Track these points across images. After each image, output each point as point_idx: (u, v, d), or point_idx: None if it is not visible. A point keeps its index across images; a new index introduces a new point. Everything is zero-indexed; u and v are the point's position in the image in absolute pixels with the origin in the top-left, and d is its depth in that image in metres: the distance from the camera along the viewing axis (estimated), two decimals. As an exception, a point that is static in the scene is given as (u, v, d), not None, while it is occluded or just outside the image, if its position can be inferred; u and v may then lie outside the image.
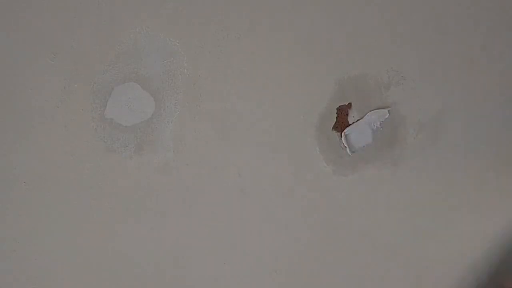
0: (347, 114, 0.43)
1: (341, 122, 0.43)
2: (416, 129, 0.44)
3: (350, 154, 0.42)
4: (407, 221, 0.43)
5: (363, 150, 0.44)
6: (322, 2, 0.43)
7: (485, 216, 0.44)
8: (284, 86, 0.43)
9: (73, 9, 0.41)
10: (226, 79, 0.42)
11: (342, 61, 0.43)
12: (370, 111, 0.43)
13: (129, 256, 0.42)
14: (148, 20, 0.41)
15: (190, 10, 0.42)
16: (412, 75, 0.43)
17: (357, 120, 0.43)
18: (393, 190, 0.43)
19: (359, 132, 0.43)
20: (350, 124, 0.43)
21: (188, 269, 0.42)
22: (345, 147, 0.42)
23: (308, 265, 0.44)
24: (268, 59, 0.43)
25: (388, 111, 0.43)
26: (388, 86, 0.43)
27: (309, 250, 0.43)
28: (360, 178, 0.44)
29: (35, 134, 0.41)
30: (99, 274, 0.42)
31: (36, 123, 0.41)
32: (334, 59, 0.43)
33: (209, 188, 0.42)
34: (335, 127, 0.42)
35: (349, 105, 0.43)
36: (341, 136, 0.42)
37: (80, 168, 0.41)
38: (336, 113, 0.43)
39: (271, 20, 0.43)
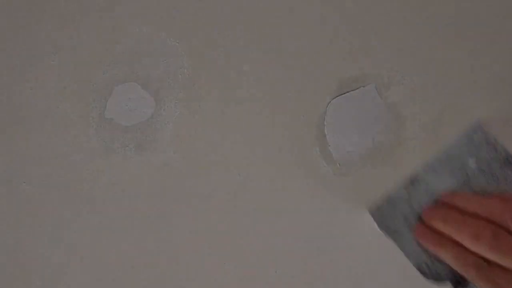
0: (347, 114, 0.43)
1: (341, 122, 0.43)
2: (416, 129, 0.44)
3: (350, 154, 0.42)
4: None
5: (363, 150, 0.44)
6: (322, 2, 0.43)
7: None
8: (284, 86, 0.43)
9: (73, 9, 0.41)
10: (226, 79, 0.42)
11: (342, 61, 0.43)
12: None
13: (129, 255, 0.42)
14: (148, 20, 0.41)
15: (190, 10, 0.42)
16: (412, 75, 0.43)
17: (357, 120, 0.43)
18: (393, 190, 0.43)
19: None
20: (350, 124, 0.43)
21: (188, 269, 0.42)
22: (345, 147, 0.41)
23: (308, 265, 0.44)
24: (268, 59, 0.43)
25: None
26: (388, 86, 0.43)
27: (309, 250, 0.43)
28: (360, 178, 0.44)
29: (35, 134, 0.41)
30: (99, 274, 0.42)
31: (36, 123, 0.41)
32: (334, 59, 0.43)
33: (209, 188, 0.42)
34: (335, 127, 0.42)
35: None
36: (341, 136, 0.41)
37: (80, 168, 0.41)
38: (336, 113, 0.43)
39: (271, 19, 0.43)
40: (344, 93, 0.43)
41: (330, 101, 0.43)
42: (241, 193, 0.43)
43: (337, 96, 0.43)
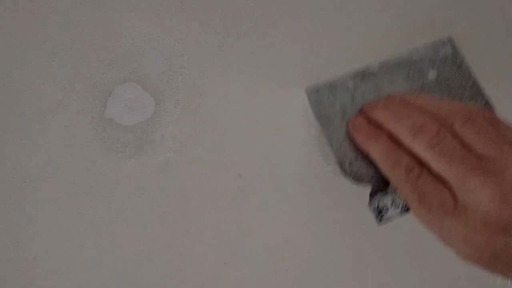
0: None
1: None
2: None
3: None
4: (408, 220, 0.43)
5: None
6: (322, 2, 0.43)
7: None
8: (285, 86, 0.43)
9: (73, 8, 0.41)
10: (226, 79, 0.42)
11: (342, 61, 0.43)
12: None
13: (128, 255, 0.42)
14: (148, 20, 0.41)
15: (190, 10, 0.42)
16: (412, 75, 0.43)
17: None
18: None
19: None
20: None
21: (188, 269, 0.42)
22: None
23: (309, 266, 0.44)
24: (268, 58, 0.43)
25: None
26: (388, 86, 0.43)
27: (310, 251, 0.43)
28: (361, 178, 0.43)
29: (35, 134, 0.41)
30: (98, 274, 0.42)
31: (36, 123, 0.41)
32: (334, 59, 0.43)
33: (209, 188, 0.42)
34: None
35: None
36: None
37: (80, 168, 0.41)
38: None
39: (271, 19, 0.43)
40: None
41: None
42: (241, 193, 0.43)
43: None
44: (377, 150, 0.34)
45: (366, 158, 0.37)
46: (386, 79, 0.39)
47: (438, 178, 0.30)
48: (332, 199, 0.43)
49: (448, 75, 0.39)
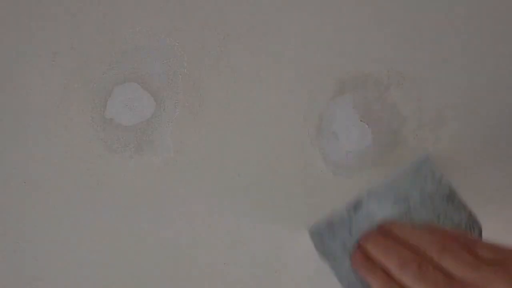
0: (347, 114, 0.43)
1: (341, 122, 0.43)
2: (416, 129, 0.44)
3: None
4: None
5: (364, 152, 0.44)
6: (322, 2, 0.43)
7: (485, 216, 0.44)
8: (284, 86, 0.43)
9: (73, 9, 0.41)
10: (226, 79, 0.42)
11: (343, 61, 0.43)
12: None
13: (128, 256, 0.42)
14: (148, 20, 0.41)
15: (190, 10, 0.42)
16: (412, 75, 0.43)
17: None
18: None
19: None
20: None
21: (188, 269, 0.42)
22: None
23: (309, 266, 0.44)
24: (268, 59, 0.43)
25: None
26: (388, 86, 0.43)
27: (309, 251, 0.43)
28: (361, 179, 0.44)
29: (35, 134, 0.41)
30: (99, 274, 0.42)
31: (36, 123, 0.41)
32: (334, 59, 0.43)
33: (208, 188, 0.42)
34: (335, 127, 0.42)
35: None
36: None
37: (80, 168, 0.41)
38: (336, 113, 0.43)
39: (271, 20, 0.43)
40: (344, 94, 0.43)
41: (330, 101, 0.43)
42: (240, 193, 0.43)
43: (337, 96, 0.43)
44: (374, 284, 0.38)
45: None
46: (376, 206, 0.42)
47: None
48: (332, 200, 0.43)
49: (430, 193, 0.42)
